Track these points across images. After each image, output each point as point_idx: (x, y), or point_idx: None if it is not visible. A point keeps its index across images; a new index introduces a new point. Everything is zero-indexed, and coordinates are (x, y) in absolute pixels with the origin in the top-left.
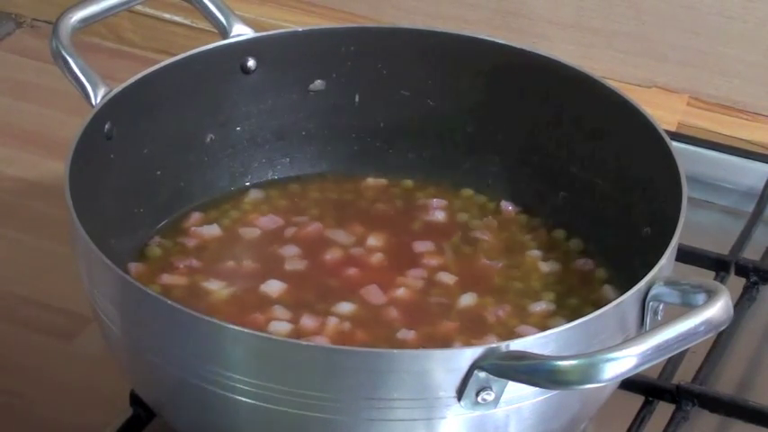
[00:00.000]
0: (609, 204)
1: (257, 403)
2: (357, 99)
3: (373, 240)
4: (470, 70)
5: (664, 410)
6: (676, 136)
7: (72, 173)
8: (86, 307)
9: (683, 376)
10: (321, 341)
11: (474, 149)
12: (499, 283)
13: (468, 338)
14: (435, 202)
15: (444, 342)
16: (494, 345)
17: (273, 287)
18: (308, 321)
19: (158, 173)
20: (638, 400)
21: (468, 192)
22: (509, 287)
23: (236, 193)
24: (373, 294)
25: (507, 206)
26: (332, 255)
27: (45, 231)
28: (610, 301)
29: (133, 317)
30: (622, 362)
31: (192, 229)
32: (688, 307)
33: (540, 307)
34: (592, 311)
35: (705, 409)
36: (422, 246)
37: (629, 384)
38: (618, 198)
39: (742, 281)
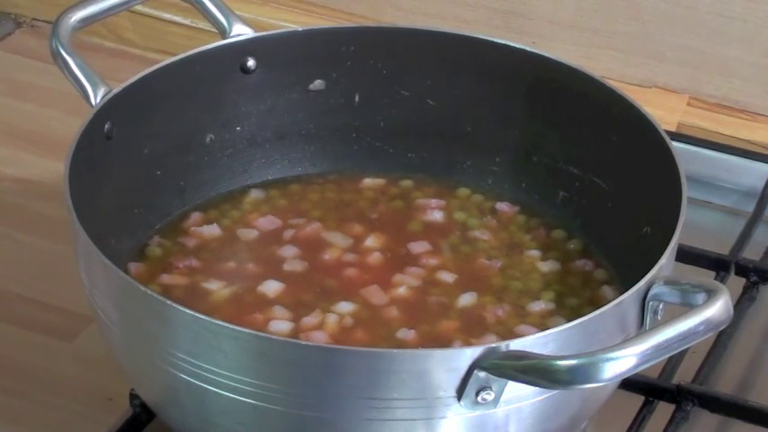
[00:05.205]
0: (609, 204)
1: (257, 403)
2: (357, 99)
3: (372, 240)
4: (470, 70)
5: (664, 410)
6: (676, 136)
7: (72, 173)
8: (86, 307)
9: (683, 376)
10: (321, 337)
11: (474, 149)
12: (498, 283)
13: (468, 338)
14: (434, 202)
15: (444, 341)
16: (493, 344)
17: (272, 287)
18: (308, 320)
19: (158, 173)
20: (638, 400)
21: (466, 192)
22: (508, 287)
23: (236, 193)
24: (374, 295)
25: (506, 206)
26: (331, 255)
27: (45, 231)
28: (609, 302)
29: (133, 317)
30: (622, 361)
31: (192, 229)
32: (688, 306)
33: (539, 307)
34: (591, 311)
35: (705, 409)
36: (420, 246)
37: (629, 384)
38: (618, 198)
39: (742, 281)
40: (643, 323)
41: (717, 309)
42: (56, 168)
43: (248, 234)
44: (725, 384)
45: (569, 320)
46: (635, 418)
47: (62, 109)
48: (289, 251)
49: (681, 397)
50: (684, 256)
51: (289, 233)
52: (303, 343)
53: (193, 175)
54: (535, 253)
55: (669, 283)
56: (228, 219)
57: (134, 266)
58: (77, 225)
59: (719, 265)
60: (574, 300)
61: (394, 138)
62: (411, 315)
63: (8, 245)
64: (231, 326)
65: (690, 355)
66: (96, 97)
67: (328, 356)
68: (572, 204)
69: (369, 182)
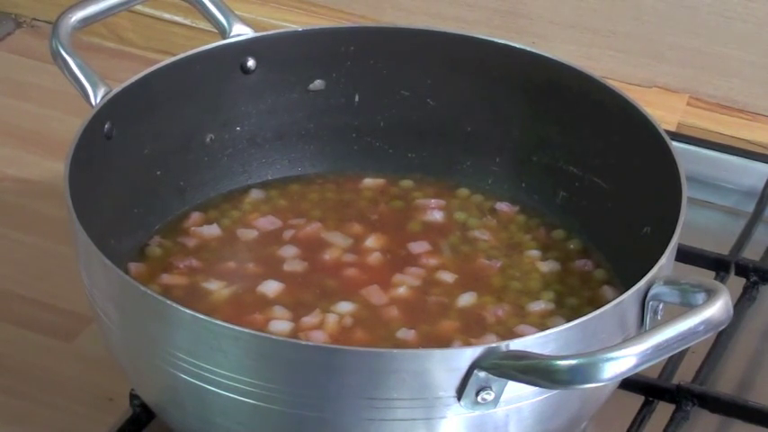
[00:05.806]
0: (609, 204)
1: (257, 403)
2: (357, 99)
3: (372, 241)
4: (470, 70)
5: (664, 410)
6: (676, 136)
7: (72, 173)
8: (86, 307)
9: (683, 376)
10: (320, 337)
11: (473, 149)
12: (498, 283)
13: (468, 338)
14: (434, 202)
15: (444, 341)
16: (494, 344)
17: (272, 287)
18: (307, 320)
19: (158, 173)
20: (638, 400)
21: (466, 192)
22: (508, 287)
23: (236, 193)
24: (374, 295)
25: (506, 206)
26: (331, 255)
27: (45, 231)
28: (609, 302)
29: (133, 317)
30: (622, 361)
31: (192, 229)
32: (688, 306)
33: (539, 306)
34: (591, 311)
35: (705, 409)
36: (420, 246)
37: (629, 384)
38: (618, 198)
39: (742, 281)
40: (643, 323)
41: (717, 309)
42: (56, 168)
43: (248, 234)
44: (725, 384)
45: (569, 320)
46: (635, 418)
47: (62, 109)
48: (289, 251)
49: (681, 397)
50: (684, 256)
51: (289, 233)
52: (303, 343)
53: (193, 175)
54: (535, 253)
55: (669, 283)
56: (228, 219)
57: (134, 266)
58: (77, 225)
59: (719, 265)
60: (574, 300)
61: (394, 138)
62: (411, 315)
63: (8, 245)
64: (231, 326)
65: (690, 355)
66: (96, 97)
67: (328, 356)
68: (572, 204)
69: (369, 182)
